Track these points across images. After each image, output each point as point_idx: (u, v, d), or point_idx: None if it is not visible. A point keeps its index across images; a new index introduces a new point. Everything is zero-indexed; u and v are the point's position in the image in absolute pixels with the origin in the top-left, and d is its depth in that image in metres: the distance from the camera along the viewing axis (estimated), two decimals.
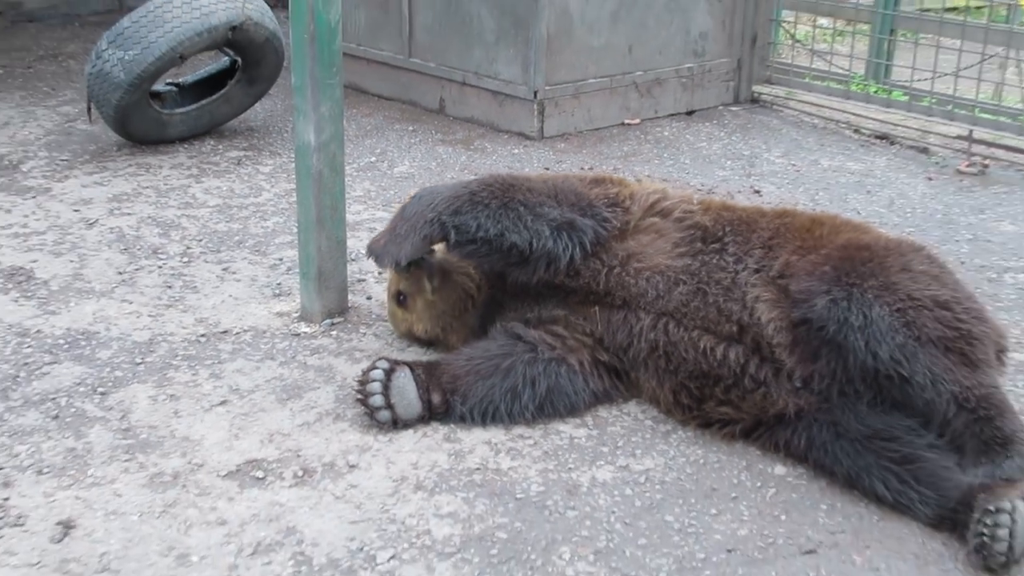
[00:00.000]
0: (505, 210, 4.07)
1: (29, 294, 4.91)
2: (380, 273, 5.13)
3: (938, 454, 3.54)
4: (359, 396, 3.94)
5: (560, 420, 4.04)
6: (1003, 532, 3.21)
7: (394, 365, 3.96)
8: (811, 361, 3.74)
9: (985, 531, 3.23)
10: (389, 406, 3.90)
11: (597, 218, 4.15)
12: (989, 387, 3.56)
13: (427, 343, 4.55)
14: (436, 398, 3.97)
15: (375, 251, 4.28)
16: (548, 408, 4.04)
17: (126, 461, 3.72)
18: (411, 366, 3.99)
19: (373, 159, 6.84)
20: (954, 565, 3.31)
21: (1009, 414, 3.52)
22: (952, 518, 3.41)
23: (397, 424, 3.92)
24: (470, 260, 4.27)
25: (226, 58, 7.07)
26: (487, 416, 3.99)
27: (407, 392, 3.93)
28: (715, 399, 3.93)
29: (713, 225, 4.12)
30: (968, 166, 6.98)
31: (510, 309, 4.32)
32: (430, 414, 3.97)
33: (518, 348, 4.12)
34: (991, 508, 3.25)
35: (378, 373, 3.92)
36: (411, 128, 7.47)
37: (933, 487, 3.47)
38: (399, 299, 4.48)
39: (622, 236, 4.15)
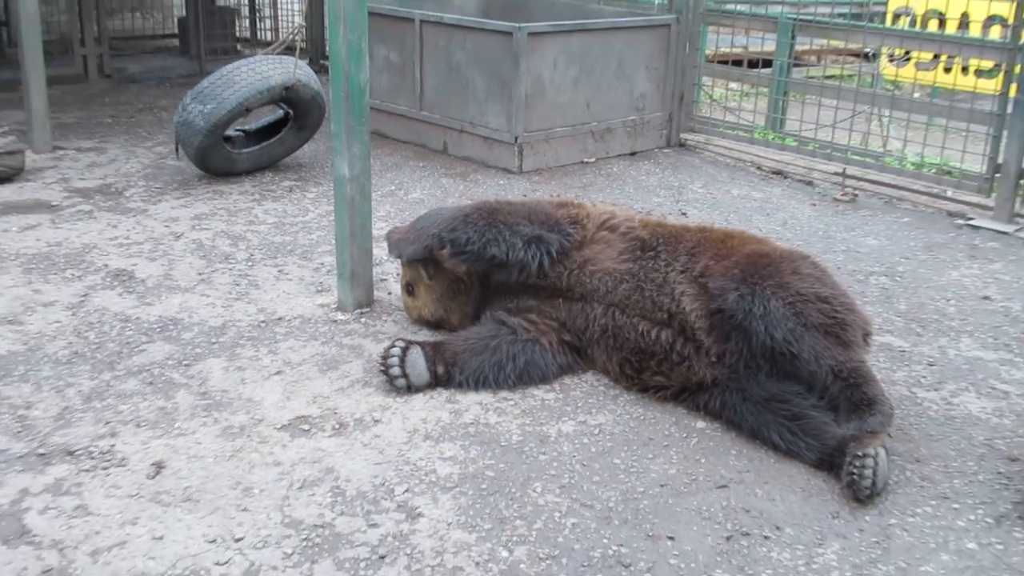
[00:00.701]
0: (489, 227, 4.11)
1: (131, 290, 4.89)
2: (397, 274, 5.12)
3: (820, 412, 3.56)
4: (382, 367, 3.93)
5: (534, 386, 4.03)
6: (868, 472, 3.25)
7: (409, 344, 3.96)
8: (724, 341, 3.75)
9: (855, 471, 3.26)
10: (405, 375, 3.90)
11: (562, 233, 4.16)
12: (858, 362, 3.59)
13: (435, 324, 4.53)
14: (440, 369, 3.97)
15: (390, 243, 4.46)
16: (525, 377, 4.04)
17: (204, 417, 3.71)
18: (422, 344, 3.99)
19: (393, 188, 6.82)
20: (832, 497, 3.33)
21: (873, 382, 3.55)
22: (830, 461, 3.43)
23: (411, 389, 3.92)
24: (464, 264, 4.28)
25: (281, 111, 7.04)
26: (479, 383, 3.99)
27: (418, 364, 3.93)
28: (651, 370, 3.94)
29: (649, 238, 4.13)
30: (843, 195, 7.00)
31: (497, 301, 4.32)
32: (436, 381, 3.96)
33: (503, 331, 4.12)
34: (859, 454, 3.28)
35: (396, 350, 3.92)
36: (422, 164, 7.46)
37: (816, 438, 3.49)
38: (408, 289, 4.51)
39: (580, 246, 4.16)
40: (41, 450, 3.44)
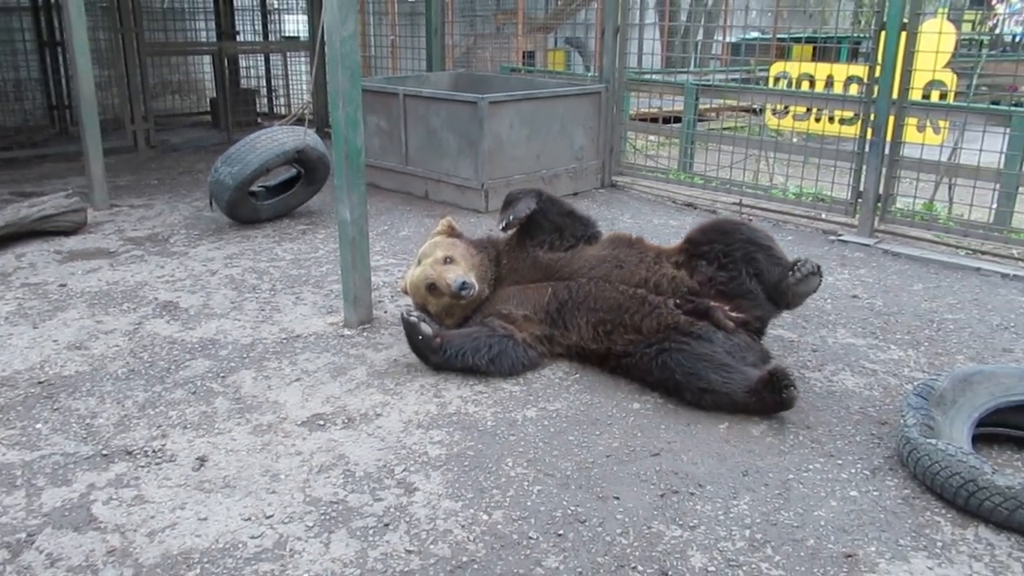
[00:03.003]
0: (561, 200, 4.54)
1: (176, 317, 4.79)
2: (392, 299, 5.07)
3: (737, 363, 3.72)
4: (403, 320, 3.99)
5: (503, 380, 3.98)
6: (789, 380, 3.52)
7: (421, 318, 4.03)
8: (705, 248, 4.07)
9: (777, 382, 3.53)
10: (421, 322, 3.97)
11: (597, 227, 4.52)
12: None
13: (434, 304, 4.30)
14: (438, 340, 3.97)
15: (507, 220, 4.38)
16: (496, 362, 3.99)
17: (238, 418, 3.63)
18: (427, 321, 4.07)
19: (386, 228, 6.77)
20: (741, 459, 3.31)
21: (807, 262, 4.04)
22: (756, 391, 3.56)
23: (422, 339, 3.95)
24: (545, 216, 4.41)
25: (294, 169, 6.97)
26: (460, 357, 3.96)
27: (426, 325, 3.98)
28: (621, 327, 3.95)
29: (622, 236, 4.39)
30: None
31: (489, 305, 4.26)
32: (433, 346, 3.95)
33: (483, 329, 4.08)
34: (779, 371, 3.55)
35: (414, 315, 4.02)
36: (408, 208, 7.41)
37: (742, 375, 3.64)
38: (430, 288, 4.22)
39: (591, 243, 4.43)
40: (104, 451, 3.35)
